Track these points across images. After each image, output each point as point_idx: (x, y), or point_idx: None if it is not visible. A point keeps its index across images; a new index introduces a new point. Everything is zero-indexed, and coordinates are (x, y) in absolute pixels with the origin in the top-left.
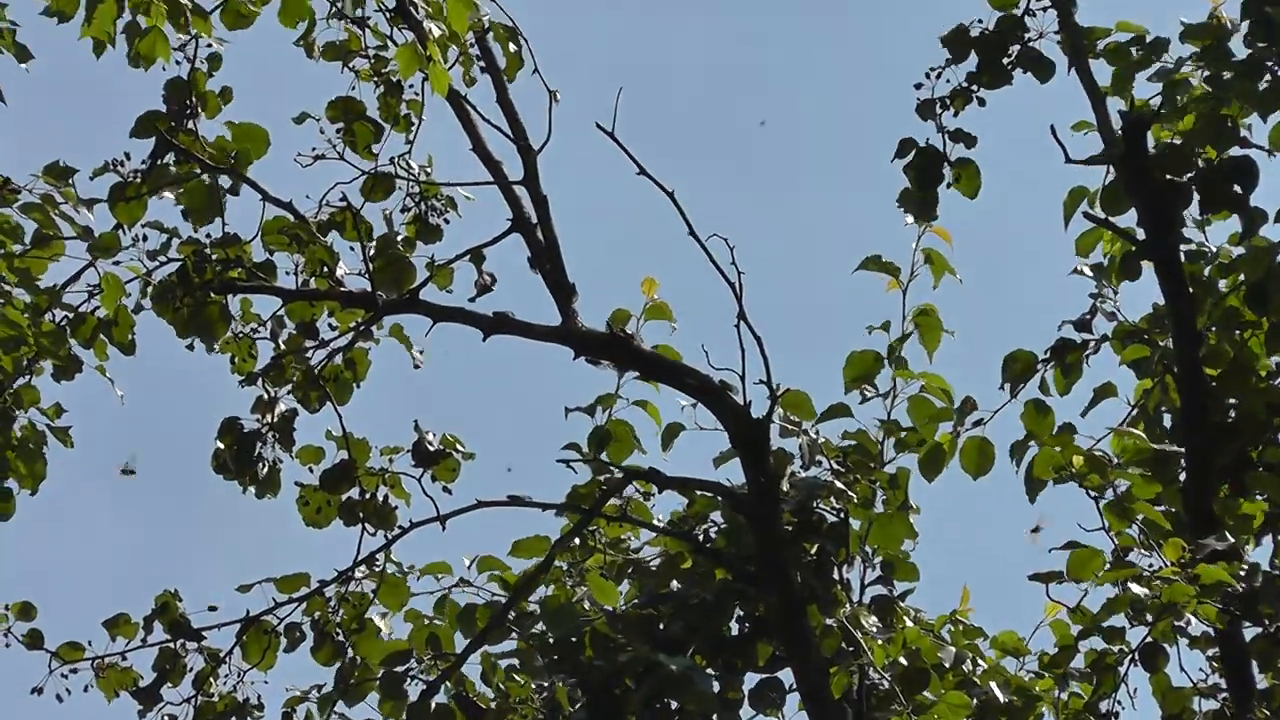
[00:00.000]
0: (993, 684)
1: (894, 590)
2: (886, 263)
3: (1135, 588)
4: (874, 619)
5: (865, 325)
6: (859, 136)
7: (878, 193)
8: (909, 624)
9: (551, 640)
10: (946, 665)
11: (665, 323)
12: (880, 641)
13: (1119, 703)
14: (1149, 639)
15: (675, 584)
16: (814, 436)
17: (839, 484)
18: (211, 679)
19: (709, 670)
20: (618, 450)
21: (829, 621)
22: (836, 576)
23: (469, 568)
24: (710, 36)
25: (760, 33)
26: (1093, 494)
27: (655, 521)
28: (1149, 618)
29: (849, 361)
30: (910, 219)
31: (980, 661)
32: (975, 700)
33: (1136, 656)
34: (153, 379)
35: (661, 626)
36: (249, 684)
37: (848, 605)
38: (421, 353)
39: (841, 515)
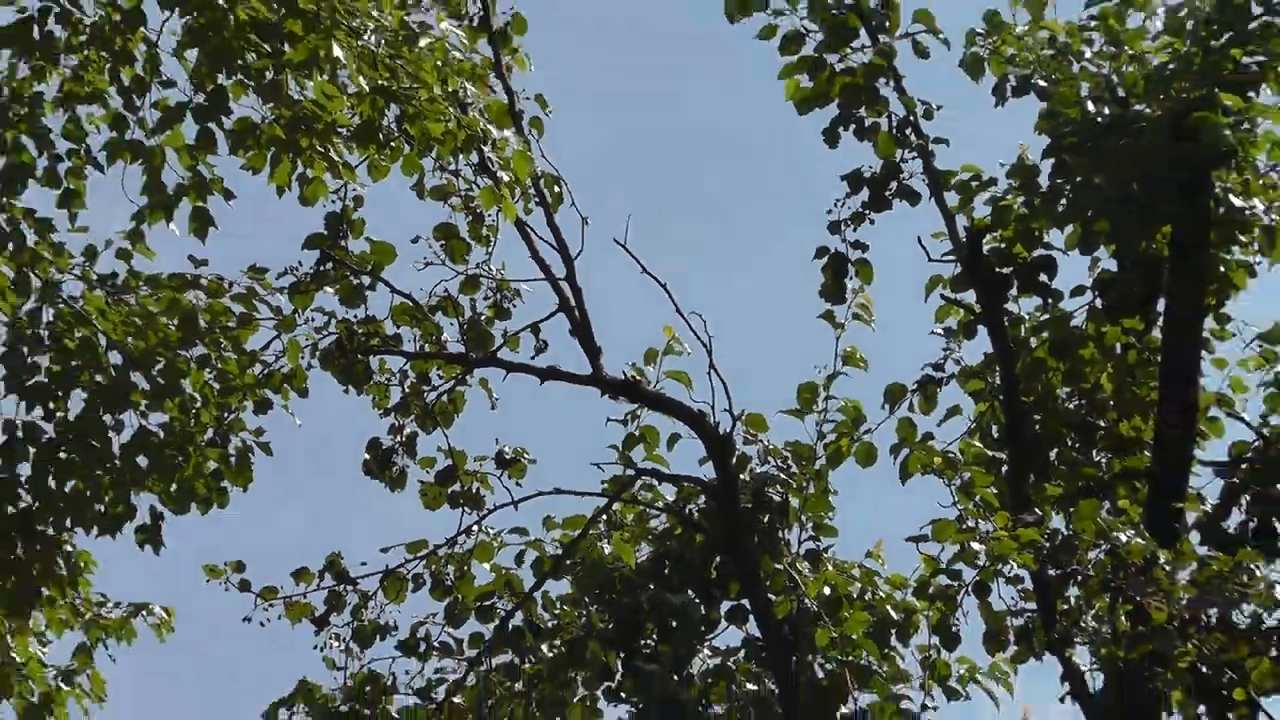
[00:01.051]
0: (887, 607)
1: (820, 545)
2: (831, 314)
3: (975, 545)
4: (806, 565)
5: (810, 364)
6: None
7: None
8: (829, 568)
9: (589, 583)
10: (854, 595)
11: (677, 356)
12: (811, 579)
13: (957, 620)
14: (978, 578)
15: (673, 545)
16: (766, 444)
17: (783, 476)
18: (363, 610)
19: (697, 601)
20: (648, 448)
21: (776, 567)
22: (781, 537)
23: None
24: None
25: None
26: (946, 483)
27: (659, 503)
28: (979, 563)
29: (800, 389)
30: (828, 304)
31: (878, 592)
32: (874, 617)
33: (970, 589)
34: (316, 414)
35: (666, 573)
36: (388, 614)
37: (788, 556)
38: (497, 398)
39: (784, 496)
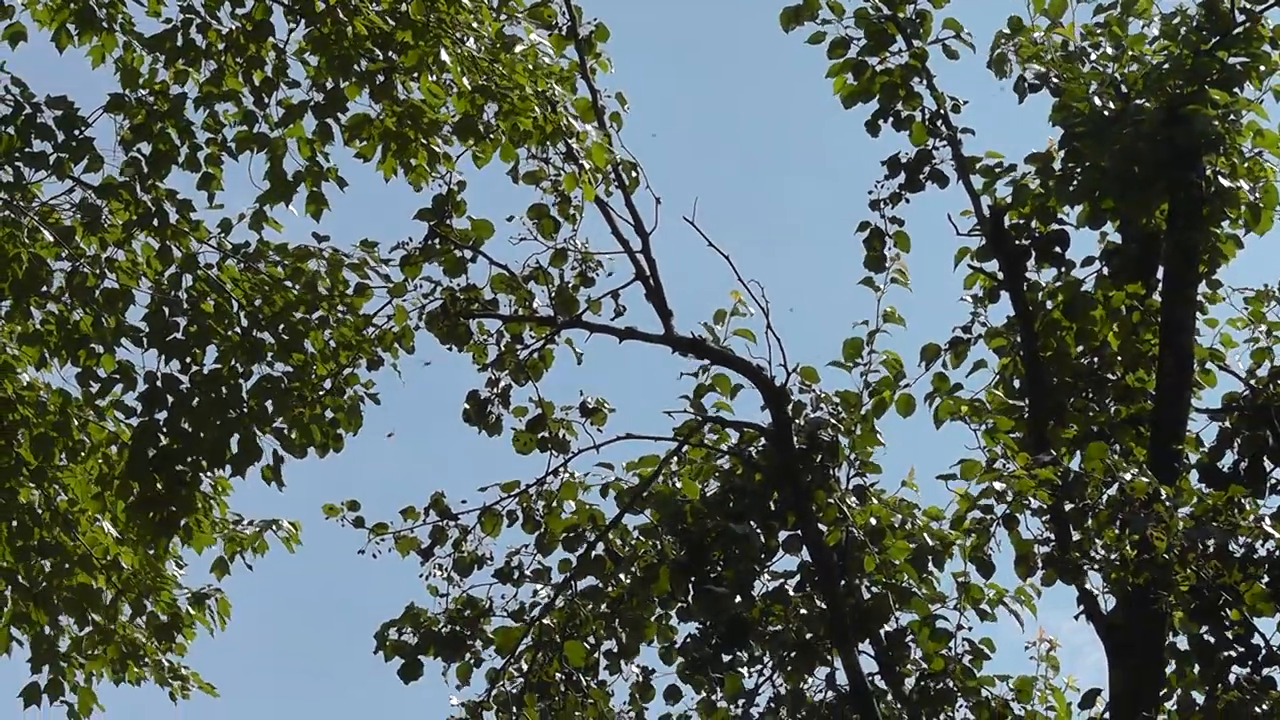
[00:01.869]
0: (925, 535)
1: (866, 480)
2: (871, 280)
3: (997, 485)
4: (854, 499)
5: (852, 322)
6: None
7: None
8: (874, 502)
9: (662, 515)
10: (896, 526)
11: (743, 318)
12: (858, 511)
13: (991, 549)
14: (1008, 511)
15: (736, 482)
16: (818, 392)
17: (833, 420)
18: (463, 543)
19: (758, 531)
20: (723, 392)
21: (828, 500)
22: (831, 474)
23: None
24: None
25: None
26: (973, 427)
27: (724, 445)
28: (1009, 498)
29: (846, 344)
30: (870, 272)
31: (917, 523)
32: (913, 545)
33: (1001, 521)
34: (423, 371)
35: (729, 506)
36: (485, 546)
37: (838, 491)
38: (581, 354)
39: (834, 438)
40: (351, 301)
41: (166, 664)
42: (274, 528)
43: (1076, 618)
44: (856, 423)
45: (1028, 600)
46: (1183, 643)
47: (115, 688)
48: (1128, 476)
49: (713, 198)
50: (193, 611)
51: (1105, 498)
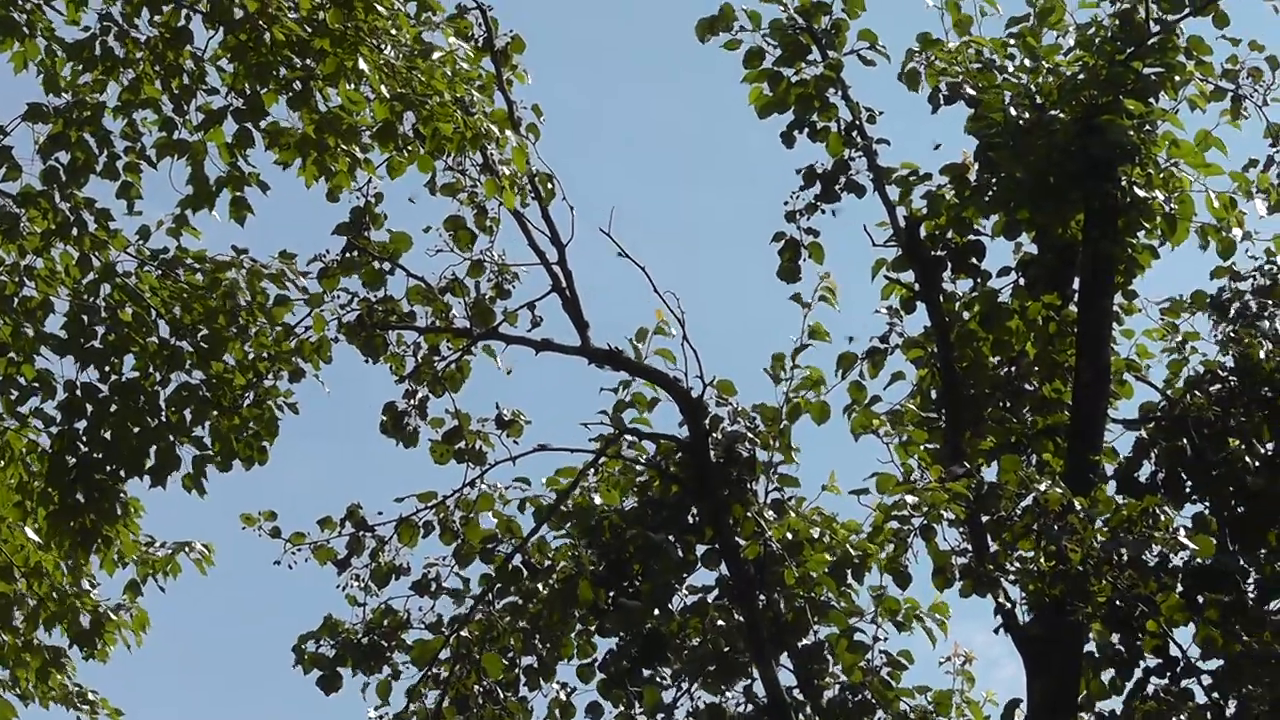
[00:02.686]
0: (846, 547)
1: (783, 494)
2: (799, 297)
3: (910, 498)
4: (771, 512)
5: (770, 338)
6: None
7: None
8: (792, 515)
9: (580, 528)
10: (815, 538)
11: (664, 336)
12: (775, 524)
13: (908, 560)
14: (924, 522)
15: (653, 495)
16: (735, 406)
17: (750, 434)
18: (380, 554)
19: (676, 545)
20: (639, 409)
21: (745, 514)
22: (749, 488)
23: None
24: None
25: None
26: (886, 441)
27: (641, 458)
28: (917, 511)
29: (773, 358)
30: (785, 283)
31: (836, 535)
32: (832, 558)
33: (918, 532)
34: (342, 381)
35: (647, 520)
36: (403, 556)
37: (755, 504)
38: (508, 369)
39: (751, 452)
40: (271, 312)
41: (74, 687)
42: (186, 550)
43: (997, 631)
44: (775, 435)
45: (942, 613)
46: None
47: (24, 707)
48: (1042, 488)
49: (630, 207)
50: (115, 617)
51: (1020, 509)
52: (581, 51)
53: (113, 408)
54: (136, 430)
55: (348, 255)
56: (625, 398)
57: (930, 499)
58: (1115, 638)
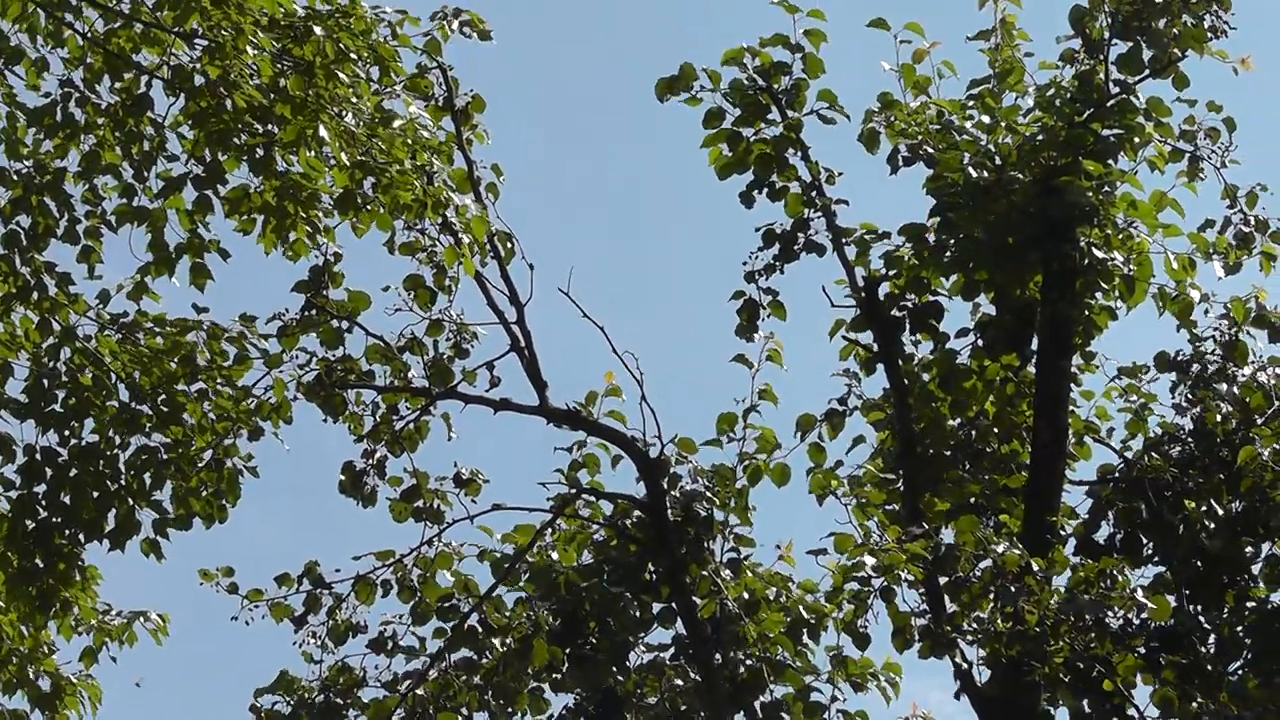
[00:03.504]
0: (800, 607)
1: (740, 554)
2: (744, 356)
3: (869, 559)
4: (728, 571)
5: (731, 398)
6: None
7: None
8: (749, 574)
9: (537, 586)
10: (771, 598)
11: (618, 397)
12: (732, 584)
13: (866, 622)
14: (884, 584)
15: (611, 554)
16: (694, 465)
17: (708, 493)
18: (337, 611)
19: (633, 603)
20: (590, 471)
21: (702, 573)
22: (706, 547)
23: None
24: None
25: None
26: (844, 501)
27: (598, 519)
28: (874, 572)
29: (720, 419)
30: (744, 341)
31: (792, 595)
32: (788, 618)
33: (878, 593)
34: (301, 438)
35: (604, 578)
36: (359, 614)
37: (712, 563)
38: (455, 434)
39: (709, 511)
40: (230, 372)
41: None
42: (142, 620)
43: (958, 696)
44: (731, 496)
45: (896, 672)
46: (1063, 716)
47: None
48: (999, 549)
49: (589, 265)
50: (75, 681)
51: (978, 571)
52: (542, 108)
53: (72, 472)
54: (96, 494)
55: (306, 314)
56: (579, 458)
57: (888, 560)
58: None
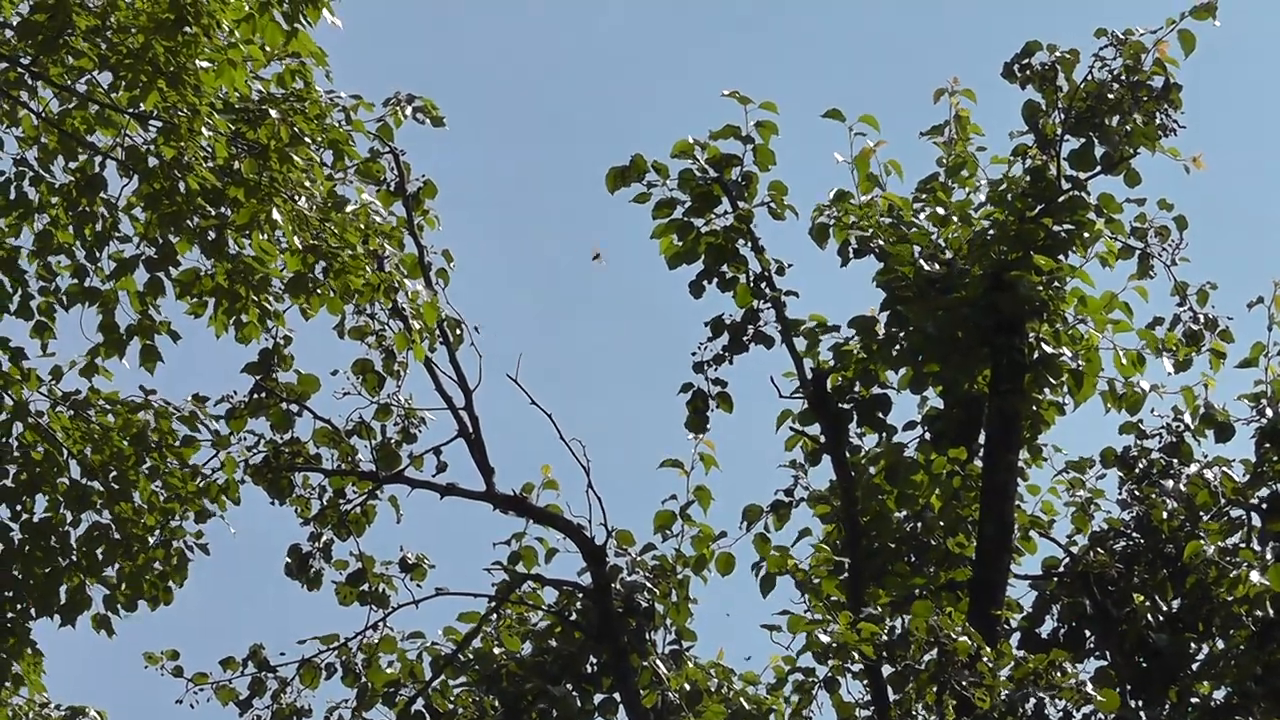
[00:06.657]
0: (742, 700)
1: (681, 646)
2: (678, 460)
3: (823, 636)
4: (670, 662)
5: (664, 494)
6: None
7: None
8: (690, 665)
9: (481, 673)
10: (712, 690)
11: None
12: (674, 675)
13: (811, 713)
14: (829, 674)
15: (553, 642)
16: (635, 556)
17: (649, 585)
18: (282, 695)
19: (574, 693)
20: (527, 564)
21: (644, 664)
22: (647, 638)
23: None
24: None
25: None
26: (797, 583)
27: (541, 607)
28: (829, 660)
29: (657, 515)
30: (691, 433)
31: (733, 687)
32: (729, 710)
33: (823, 684)
34: (249, 521)
35: (547, 667)
36: (304, 698)
37: (654, 654)
38: (402, 514)
39: (650, 603)
40: (180, 452)
41: None
42: (81, 716)
43: None
44: (672, 588)
45: None
46: None
47: None
48: (952, 635)
49: (538, 351)
50: None
51: (925, 660)
52: (494, 192)
53: (24, 547)
54: (47, 570)
55: (255, 397)
56: (518, 548)
57: (841, 638)
58: None
